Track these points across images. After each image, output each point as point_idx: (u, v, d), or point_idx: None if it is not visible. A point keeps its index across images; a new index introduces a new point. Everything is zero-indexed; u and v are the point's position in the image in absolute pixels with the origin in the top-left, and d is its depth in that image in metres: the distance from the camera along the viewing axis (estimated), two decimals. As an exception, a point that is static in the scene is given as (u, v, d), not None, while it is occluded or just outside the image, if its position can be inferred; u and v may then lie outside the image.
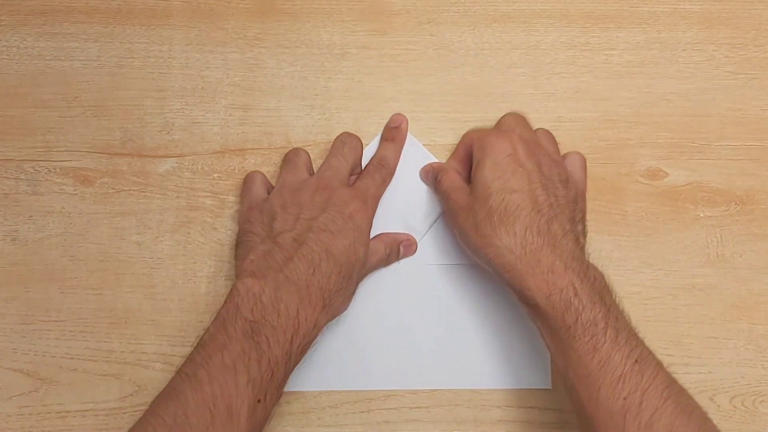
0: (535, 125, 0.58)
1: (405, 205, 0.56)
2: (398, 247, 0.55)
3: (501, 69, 0.60)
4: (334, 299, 0.47)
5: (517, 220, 0.46)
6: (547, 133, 0.55)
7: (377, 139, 0.58)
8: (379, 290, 0.55)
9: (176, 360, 0.53)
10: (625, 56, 0.60)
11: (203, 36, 0.60)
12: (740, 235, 0.57)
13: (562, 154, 0.55)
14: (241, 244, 0.51)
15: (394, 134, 0.57)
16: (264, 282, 0.45)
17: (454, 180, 0.53)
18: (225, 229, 0.56)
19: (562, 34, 0.60)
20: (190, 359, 0.44)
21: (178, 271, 0.55)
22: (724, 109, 0.59)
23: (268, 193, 0.54)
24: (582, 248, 0.49)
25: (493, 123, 0.58)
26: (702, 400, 0.53)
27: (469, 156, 0.53)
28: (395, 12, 0.61)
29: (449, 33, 0.60)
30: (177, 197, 0.57)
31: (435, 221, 0.56)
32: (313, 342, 0.47)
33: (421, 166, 0.57)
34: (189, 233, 0.56)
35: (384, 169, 0.55)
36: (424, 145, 0.58)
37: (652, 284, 0.56)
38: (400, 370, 0.54)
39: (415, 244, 0.56)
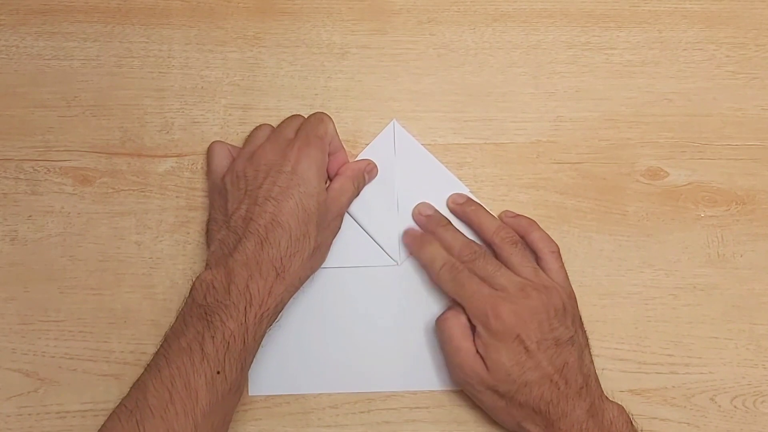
0: (535, 125, 0.58)
1: (402, 211, 0.56)
2: (363, 177, 0.55)
3: (501, 68, 0.60)
4: (290, 264, 0.48)
5: (541, 398, 0.48)
6: (517, 245, 0.53)
7: (377, 138, 0.58)
8: (378, 291, 0.55)
9: (176, 360, 0.53)
10: (625, 56, 0.60)
11: (203, 35, 0.60)
12: (741, 235, 0.57)
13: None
14: (207, 233, 0.53)
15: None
16: (216, 270, 0.47)
17: (465, 336, 0.51)
18: (225, 229, 0.56)
19: (563, 33, 0.60)
20: (154, 354, 0.47)
21: (177, 271, 0.55)
22: (724, 109, 0.59)
23: None
24: (593, 387, 0.50)
25: (493, 122, 0.58)
26: (703, 401, 0.54)
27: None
28: (395, 11, 0.60)
29: (449, 32, 0.60)
30: (176, 197, 0.56)
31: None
32: (273, 311, 0.48)
33: (420, 166, 0.57)
34: (188, 233, 0.56)
35: (321, 117, 0.54)
36: (423, 145, 0.58)
37: (653, 284, 0.56)
38: (401, 372, 0.54)
39: (377, 167, 0.56)
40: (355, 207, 0.56)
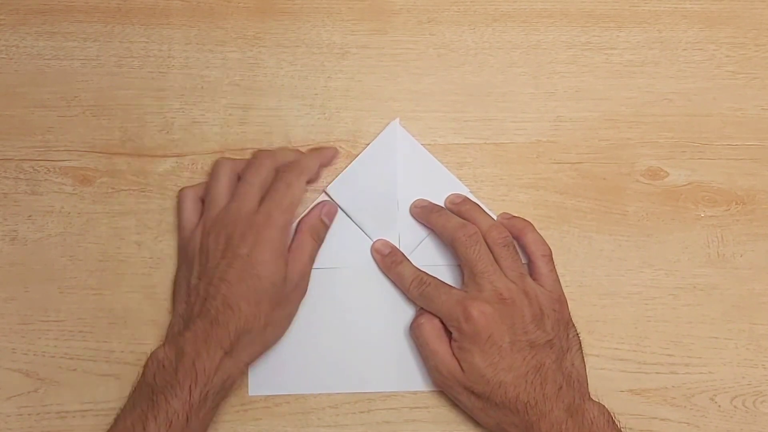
0: (535, 125, 0.58)
1: (401, 211, 0.56)
2: (321, 224, 0.54)
3: (501, 68, 0.60)
4: (238, 342, 0.49)
5: (517, 399, 0.49)
6: (508, 247, 0.53)
7: (378, 138, 0.58)
8: (379, 291, 0.55)
9: (176, 360, 0.53)
10: (625, 56, 0.60)
11: (203, 35, 0.60)
12: (741, 235, 0.57)
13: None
14: (173, 295, 0.54)
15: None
16: (168, 348, 0.48)
17: (440, 339, 0.52)
18: (225, 229, 0.56)
19: (563, 33, 0.60)
20: None
21: (177, 271, 0.55)
22: (724, 109, 0.59)
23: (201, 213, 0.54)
24: (574, 388, 0.50)
25: (493, 122, 0.58)
26: (702, 401, 0.54)
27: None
28: (395, 11, 0.60)
29: (449, 32, 0.60)
30: (177, 197, 0.56)
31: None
32: (219, 387, 0.48)
33: (420, 166, 0.57)
34: (189, 233, 0.56)
35: (289, 172, 0.53)
36: (423, 144, 0.58)
37: (652, 284, 0.56)
38: (401, 372, 0.54)
39: (334, 204, 0.55)
40: (356, 207, 0.56)
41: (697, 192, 0.58)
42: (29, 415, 0.53)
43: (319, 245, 0.54)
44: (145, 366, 0.49)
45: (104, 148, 0.57)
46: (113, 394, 0.53)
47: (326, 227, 0.55)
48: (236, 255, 0.50)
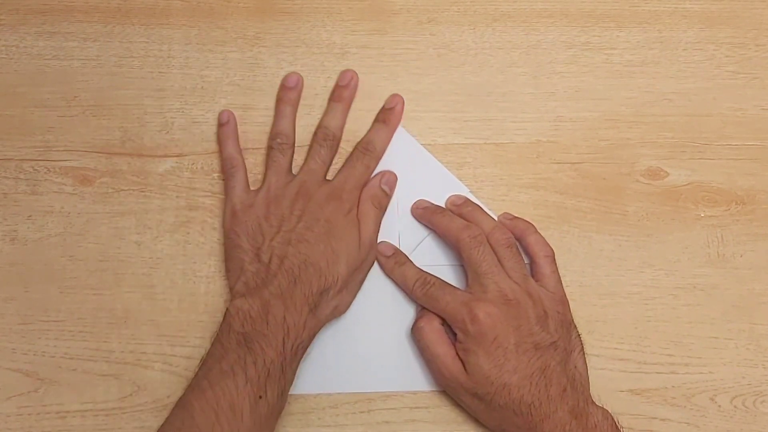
0: (535, 125, 0.58)
1: (401, 211, 0.56)
2: (381, 192, 0.55)
3: (501, 68, 0.60)
4: (321, 302, 0.51)
5: (521, 401, 0.48)
6: (511, 248, 0.53)
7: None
8: (378, 292, 0.55)
9: (176, 360, 0.53)
10: (625, 56, 0.60)
11: (203, 35, 0.60)
12: (741, 235, 0.57)
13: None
14: (230, 260, 0.54)
15: (387, 116, 0.57)
16: (252, 300, 0.49)
17: (441, 342, 0.52)
18: (225, 229, 0.56)
19: (563, 33, 0.60)
20: (194, 377, 0.47)
21: (177, 271, 0.55)
22: (724, 109, 0.59)
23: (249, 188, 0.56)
24: (578, 390, 0.49)
25: (493, 122, 0.58)
26: (702, 401, 0.54)
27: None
28: (395, 11, 0.60)
29: (449, 32, 0.60)
30: (176, 197, 0.56)
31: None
32: (306, 343, 0.50)
33: (420, 166, 0.57)
34: (188, 233, 0.56)
35: (368, 154, 0.56)
36: (423, 145, 0.58)
37: (652, 284, 0.56)
38: (401, 372, 0.54)
39: (393, 173, 0.56)
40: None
41: (697, 192, 0.58)
42: (29, 415, 0.53)
43: (382, 213, 0.55)
44: (228, 315, 0.49)
45: (104, 148, 0.57)
46: (113, 394, 0.53)
47: (387, 196, 0.56)
48: (316, 219, 0.52)
